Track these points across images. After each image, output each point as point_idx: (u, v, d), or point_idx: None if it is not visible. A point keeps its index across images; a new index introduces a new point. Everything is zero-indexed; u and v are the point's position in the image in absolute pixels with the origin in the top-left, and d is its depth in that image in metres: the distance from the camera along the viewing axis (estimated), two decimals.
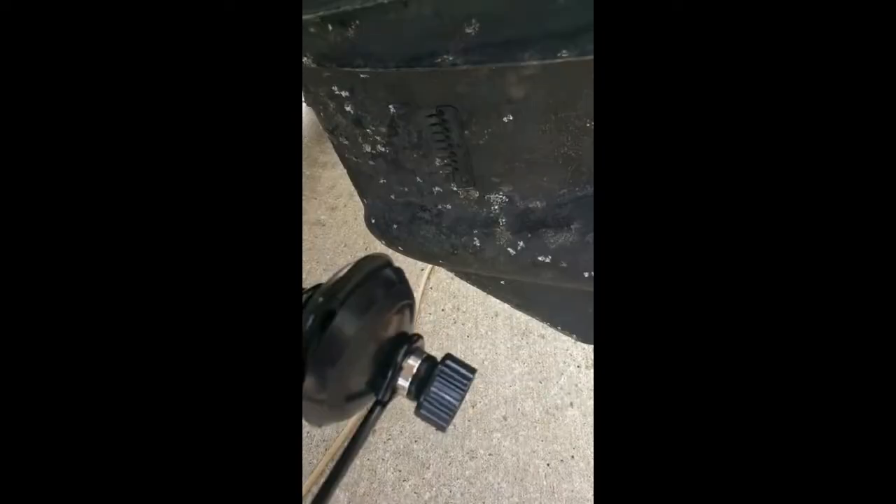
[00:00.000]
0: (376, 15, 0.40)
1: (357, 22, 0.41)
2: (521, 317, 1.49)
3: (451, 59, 0.39)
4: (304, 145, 2.50)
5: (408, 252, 0.69)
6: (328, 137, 0.64)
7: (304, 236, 1.87)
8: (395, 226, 0.66)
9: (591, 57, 0.38)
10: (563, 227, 0.55)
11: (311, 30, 0.45)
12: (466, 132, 0.52)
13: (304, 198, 2.16)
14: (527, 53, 0.36)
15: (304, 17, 0.43)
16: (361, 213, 2.19)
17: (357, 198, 2.16)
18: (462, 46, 0.39)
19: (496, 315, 1.51)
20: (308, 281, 1.59)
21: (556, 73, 0.44)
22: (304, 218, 2.03)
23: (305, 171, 2.39)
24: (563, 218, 0.55)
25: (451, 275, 1.67)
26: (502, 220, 0.58)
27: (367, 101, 0.54)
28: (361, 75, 0.50)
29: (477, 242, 0.60)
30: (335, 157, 2.44)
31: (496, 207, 0.58)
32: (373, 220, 0.69)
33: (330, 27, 0.42)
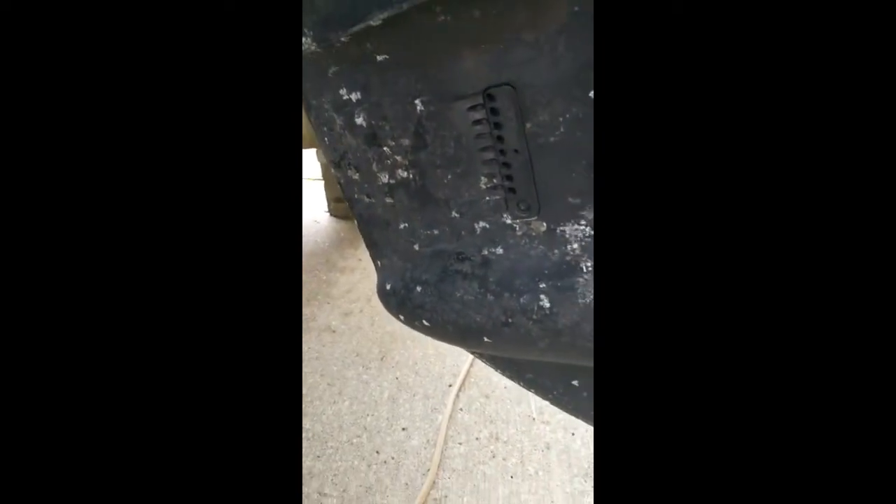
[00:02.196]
0: None
1: None
2: (583, 449, 1.15)
3: None
4: (323, 251, 2.44)
5: (436, 329, 0.48)
6: (335, 176, 0.48)
7: (311, 345, 1.66)
8: (418, 288, 0.46)
9: None
10: None
11: None
12: (529, 125, 0.36)
13: (317, 303, 2.01)
14: None
15: None
16: (378, 318, 2.01)
17: (375, 301, 1.99)
18: None
19: (548, 447, 1.17)
20: (308, 398, 1.33)
21: None
22: (314, 324, 1.83)
23: (322, 276, 2.28)
24: None
25: (488, 393, 1.37)
26: (586, 265, 0.37)
27: (384, 101, 0.39)
28: (378, 57, 0.36)
29: (545, 303, 0.39)
30: (354, 262, 2.36)
31: (575, 246, 0.38)
32: (388, 287, 0.49)
33: None
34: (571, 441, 1.16)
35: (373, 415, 1.30)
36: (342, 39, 0.34)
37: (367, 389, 1.39)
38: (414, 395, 1.39)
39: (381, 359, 1.55)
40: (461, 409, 1.34)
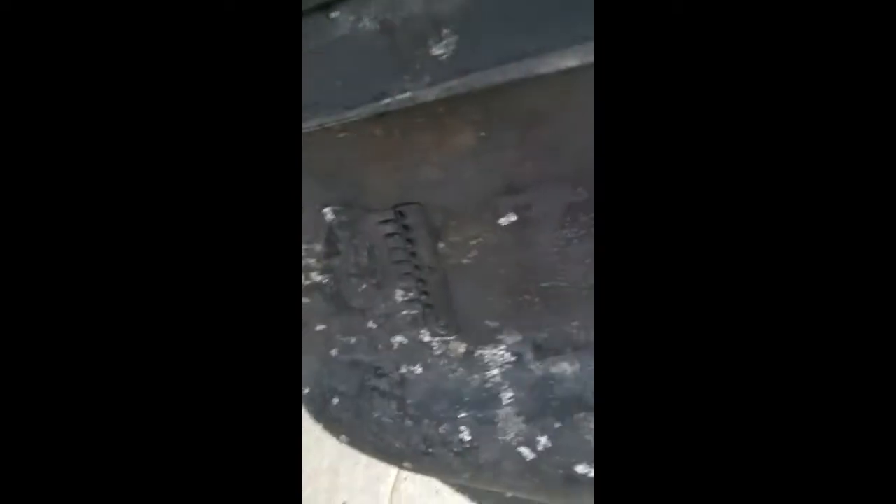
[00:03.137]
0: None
1: None
2: None
3: (408, 94, 0.22)
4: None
5: (356, 444, 0.43)
6: None
7: None
8: (335, 400, 0.41)
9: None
10: None
11: None
12: (441, 245, 0.33)
13: None
14: (552, 58, 0.19)
15: None
16: None
17: None
18: (428, 78, 0.22)
19: None
20: None
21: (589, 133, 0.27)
22: None
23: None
24: None
25: None
26: (507, 395, 0.34)
27: None
28: None
29: (465, 435, 0.34)
30: None
31: (496, 372, 0.34)
32: (306, 391, 0.44)
33: None
34: None
35: (312, 487, 1.19)
36: None
37: (306, 458, 1.29)
38: (356, 464, 1.29)
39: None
40: (405, 479, 1.24)
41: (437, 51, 0.22)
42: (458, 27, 0.21)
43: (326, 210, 0.34)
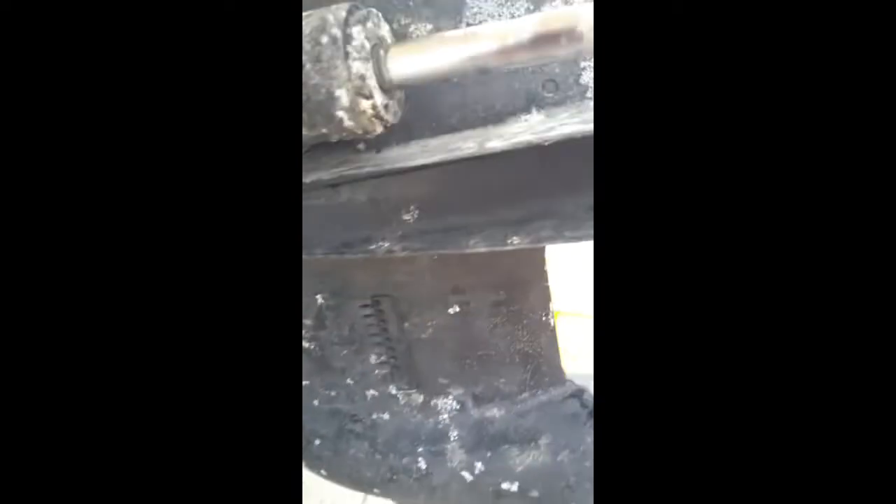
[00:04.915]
0: (304, 199, 0.35)
1: None
2: None
3: (386, 245, 0.34)
4: None
5: (334, 478, 0.52)
6: None
7: None
8: (317, 441, 0.51)
9: (544, 245, 0.34)
10: (529, 441, 0.44)
11: None
12: (407, 324, 0.45)
13: None
14: (472, 240, 0.32)
15: None
16: None
17: None
18: (399, 233, 0.34)
19: None
20: None
21: (505, 261, 0.40)
22: None
23: None
24: (527, 430, 0.44)
25: None
26: (453, 434, 0.46)
27: None
28: None
29: (422, 464, 0.46)
30: None
31: (445, 416, 0.46)
32: None
33: None
34: None
35: None
36: None
37: None
38: (321, 503, 1.33)
39: None
40: None
41: (406, 217, 0.35)
42: (421, 205, 0.34)
43: (318, 296, 0.45)
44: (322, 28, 0.24)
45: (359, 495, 1.37)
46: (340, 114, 0.25)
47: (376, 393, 0.48)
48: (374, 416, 0.49)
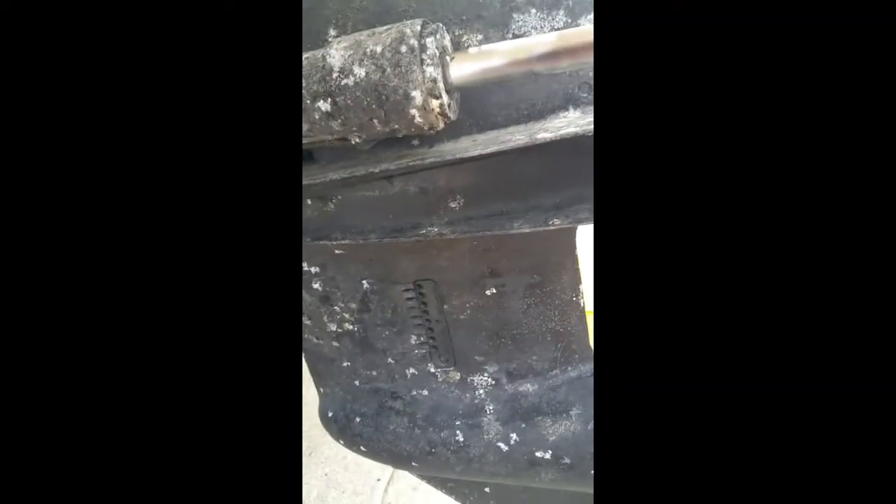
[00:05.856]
0: (360, 190, 0.40)
1: (339, 196, 0.41)
2: None
3: (435, 230, 0.38)
4: None
5: (373, 453, 0.56)
6: None
7: None
8: (358, 419, 0.55)
9: (581, 225, 0.38)
10: (561, 413, 0.47)
11: None
12: (446, 306, 0.49)
13: None
14: (516, 223, 0.36)
15: None
16: (306, 410, 1.93)
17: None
18: (446, 220, 0.38)
19: None
20: None
21: (539, 246, 0.44)
22: None
23: None
24: (559, 403, 0.48)
25: (415, 485, 1.39)
26: (489, 408, 0.50)
27: (338, 277, 0.50)
28: (336, 251, 0.48)
29: (460, 437, 0.50)
30: None
31: (481, 392, 0.50)
32: (330, 414, 0.58)
33: (309, 201, 0.42)
34: None
35: None
36: (308, 239, 0.46)
37: None
38: (343, 492, 1.36)
39: (310, 454, 1.52)
40: None
41: (452, 205, 0.39)
42: (466, 193, 0.38)
43: (364, 282, 0.49)
44: (401, 39, 0.28)
45: (371, 480, 1.40)
46: (413, 111, 0.29)
47: (416, 371, 0.52)
48: (414, 393, 0.52)
